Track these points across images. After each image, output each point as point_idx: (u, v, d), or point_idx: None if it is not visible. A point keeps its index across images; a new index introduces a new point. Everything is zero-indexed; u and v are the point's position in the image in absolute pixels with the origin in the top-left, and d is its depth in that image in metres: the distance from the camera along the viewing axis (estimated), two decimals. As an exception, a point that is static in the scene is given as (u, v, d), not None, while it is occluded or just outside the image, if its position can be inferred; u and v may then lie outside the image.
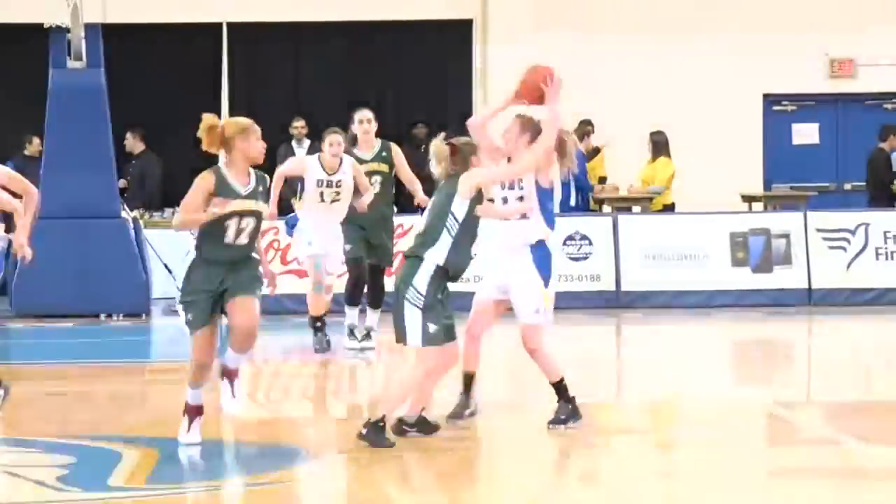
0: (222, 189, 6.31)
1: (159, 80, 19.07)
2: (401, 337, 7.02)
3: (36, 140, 15.60)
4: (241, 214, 6.38)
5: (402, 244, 12.71)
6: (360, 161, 11.19)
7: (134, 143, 16.47)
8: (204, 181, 6.39)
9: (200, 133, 6.25)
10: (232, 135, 6.32)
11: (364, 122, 11.69)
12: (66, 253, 13.65)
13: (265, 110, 17.42)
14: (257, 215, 6.45)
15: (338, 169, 11.15)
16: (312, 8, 19.08)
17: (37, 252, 13.13)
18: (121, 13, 17.78)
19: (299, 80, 19.29)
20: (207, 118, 6.32)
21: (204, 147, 6.28)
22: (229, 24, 18.95)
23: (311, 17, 19.07)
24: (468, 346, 7.90)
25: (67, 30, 15.71)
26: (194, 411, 6.68)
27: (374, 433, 6.96)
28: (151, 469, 7.29)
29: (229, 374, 6.67)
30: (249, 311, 6.54)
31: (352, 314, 12.39)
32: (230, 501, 7.01)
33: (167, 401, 10.01)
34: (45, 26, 15.81)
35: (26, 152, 16.19)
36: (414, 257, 6.96)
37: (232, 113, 18.56)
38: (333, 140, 11.20)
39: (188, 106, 16.93)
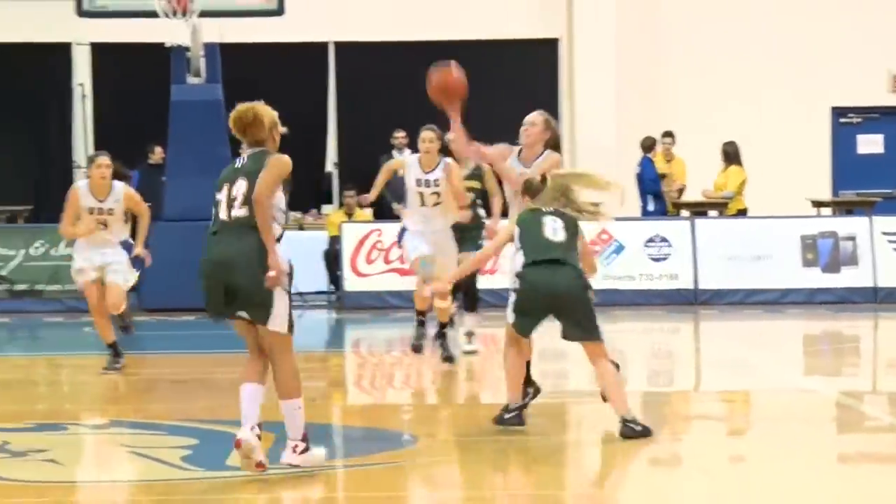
0: None
1: (271, 94, 19.38)
2: (592, 335, 7.20)
3: (158, 149, 16.26)
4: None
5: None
6: None
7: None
8: None
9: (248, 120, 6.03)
10: (271, 125, 6.16)
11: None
12: (187, 252, 13.73)
13: (368, 122, 18.51)
14: None
15: (435, 167, 10.99)
16: (410, 28, 19.58)
17: (160, 251, 14.10)
18: (235, 34, 18.26)
19: (398, 95, 19.22)
20: (252, 108, 5.98)
21: (237, 134, 6.11)
22: (336, 44, 19.85)
23: (408, 37, 19.37)
24: None
25: (187, 49, 16.67)
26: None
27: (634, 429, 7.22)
28: (266, 450, 7.41)
29: None
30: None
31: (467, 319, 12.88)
32: (339, 480, 7.27)
33: None
34: (166, 45, 16.79)
35: (150, 161, 16.86)
36: (573, 265, 7.23)
37: (339, 125, 19.79)
38: (424, 136, 11.15)
39: (297, 118, 18.31)
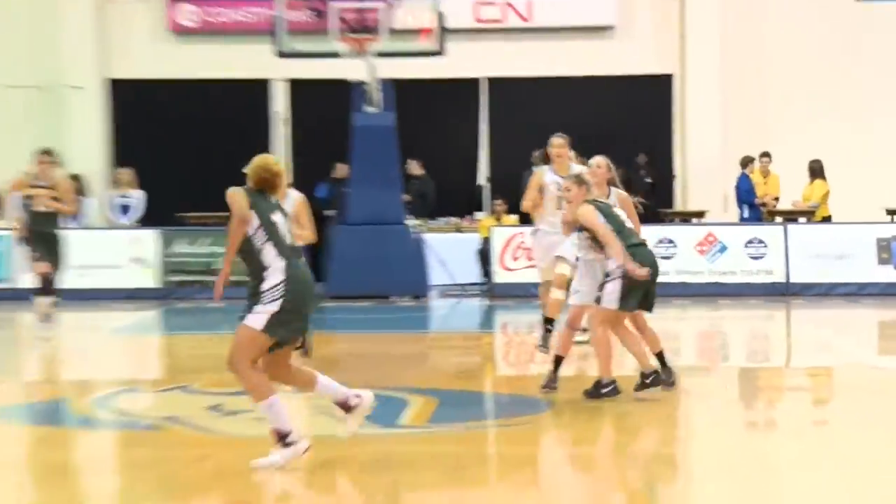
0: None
1: (433, 121, 21.86)
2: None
3: (342, 166, 18.28)
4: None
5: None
6: None
7: (414, 168, 19.14)
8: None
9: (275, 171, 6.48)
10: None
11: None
12: (367, 250, 16.73)
13: (514, 144, 20.05)
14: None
15: (568, 173, 11.25)
16: (544, 65, 21.39)
17: (344, 249, 16.51)
18: (405, 70, 20.08)
19: (539, 120, 19.77)
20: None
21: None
22: (489, 79, 21.97)
23: (543, 73, 21.44)
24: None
25: (366, 83, 19.00)
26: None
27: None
28: (431, 412, 9.19)
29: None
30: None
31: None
32: (490, 438, 8.41)
33: (443, 361, 12.79)
34: (349, 81, 19.27)
35: (334, 175, 18.80)
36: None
37: (490, 146, 21.67)
38: (554, 142, 11.53)
39: (455, 140, 21.51)
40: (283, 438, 6.06)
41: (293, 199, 10.93)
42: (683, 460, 7.69)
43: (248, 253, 6.08)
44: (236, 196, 6.14)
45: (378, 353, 12.61)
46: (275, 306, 6.10)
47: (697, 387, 10.16)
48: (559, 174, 11.05)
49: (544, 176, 11.39)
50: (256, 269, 6.15)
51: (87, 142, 22.19)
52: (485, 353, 14.18)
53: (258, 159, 6.25)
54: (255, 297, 6.10)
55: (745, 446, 7.33)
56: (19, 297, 16.21)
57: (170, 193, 20.11)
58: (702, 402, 9.51)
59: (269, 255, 6.17)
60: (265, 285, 6.12)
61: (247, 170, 6.27)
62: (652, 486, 6.83)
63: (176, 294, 18.58)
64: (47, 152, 13.99)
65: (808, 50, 22.41)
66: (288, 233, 6.20)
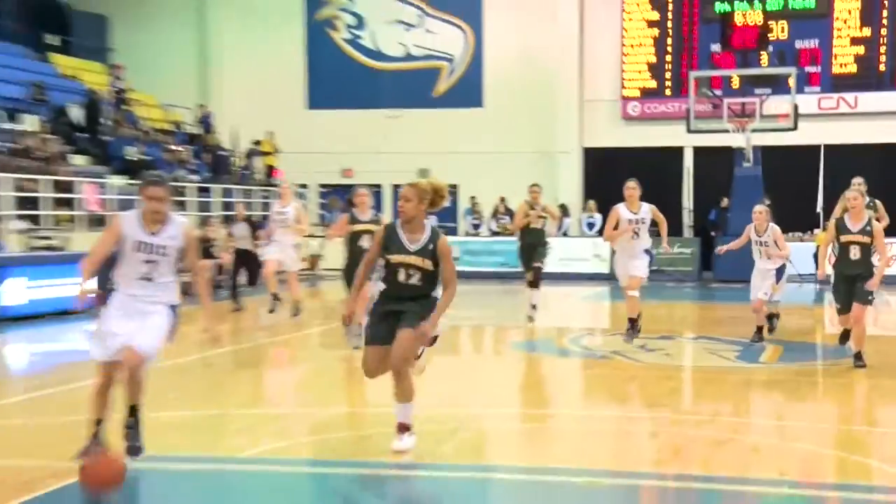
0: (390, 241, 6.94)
1: (779, 177, 24.13)
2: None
3: (725, 200, 22.96)
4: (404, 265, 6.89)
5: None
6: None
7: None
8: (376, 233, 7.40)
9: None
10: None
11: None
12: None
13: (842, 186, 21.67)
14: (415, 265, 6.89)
15: (639, 210, 12.44)
16: (864, 137, 24.82)
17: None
18: (770, 139, 24.30)
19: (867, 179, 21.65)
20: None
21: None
22: (825, 146, 25.30)
23: (867, 141, 24.92)
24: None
25: (744, 149, 23.76)
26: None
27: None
28: (779, 355, 12.32)
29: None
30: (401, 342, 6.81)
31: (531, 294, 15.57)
32: (816, 371, 11.38)
33: (788, 322, 14.06)
34: (733, 147, 24.07)
35: (721, 206, 23.62)
36: None
37: (825, 191, 24.10)
38: (629, 184, 12.50)
39: (801, 189, 24.32)
40: (409, 429, 6.87)
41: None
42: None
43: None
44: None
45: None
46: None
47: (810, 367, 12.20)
48: (630, 210, 12.39)
49: (618, 209, 12.47)
50: (433, 282, 6.86)
51: (570, 184, 27.37)
52: (816, 319, 17.19)
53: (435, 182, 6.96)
54: (426, 307, 6.75)
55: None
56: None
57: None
58: (824, 379, 11.56)
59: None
60: (435, 296, 6.91)
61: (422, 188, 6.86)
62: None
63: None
64: (536, 185, 15.65)
65: None
66: None
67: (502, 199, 25.66)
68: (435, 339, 6.82)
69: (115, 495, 5.90)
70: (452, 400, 9.86)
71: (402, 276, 6.66)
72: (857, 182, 12.85)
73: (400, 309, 6.66)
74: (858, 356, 10.68)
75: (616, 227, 12.13)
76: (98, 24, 30.41)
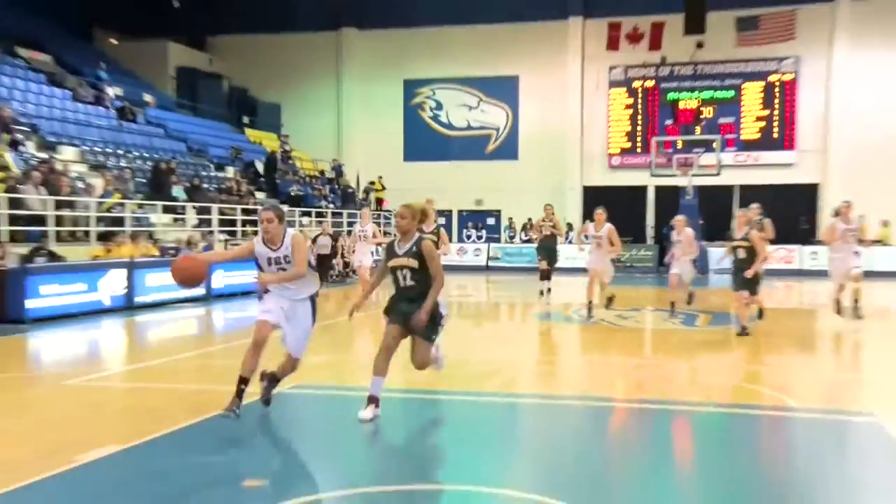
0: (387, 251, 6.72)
1: (720, 199, 26.25)
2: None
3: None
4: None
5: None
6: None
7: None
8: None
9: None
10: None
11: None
12: None
13: None
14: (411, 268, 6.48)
15: (601, 230, 12.95)
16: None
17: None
18: (703, 181, 25.47)
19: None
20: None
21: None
22: (741, 186, 26.75)
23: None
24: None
25: (685, 187, 24.66)
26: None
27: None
28: (709, 320, 12.75)
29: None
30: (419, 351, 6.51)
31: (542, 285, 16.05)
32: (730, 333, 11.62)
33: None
34: (679, 186, 24.96)
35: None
36: None
37: None
38: (596, 211, 13.13)
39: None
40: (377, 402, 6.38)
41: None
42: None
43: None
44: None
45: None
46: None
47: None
48: (596, 229, 13.00)
49: (588, 228, 13.65)
50: (426, 282, 6.47)
51: (574, 210, 28.59)
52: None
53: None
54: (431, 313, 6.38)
55: None
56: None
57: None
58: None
59: None
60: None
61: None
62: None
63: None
64: (549, 204, 15.91)
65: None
66: None
67: (529, 219, 26.61)
68: (438, 323, 6.47)
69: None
70: (495, 351, 10.69)
71: (400, 279, 6.46)
72: (755, 206, 13.48)
73: (408, 311, 6.40)
74: (743, 328, 11.07)
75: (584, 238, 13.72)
76: (274, 109, 32.48)
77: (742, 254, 11.02)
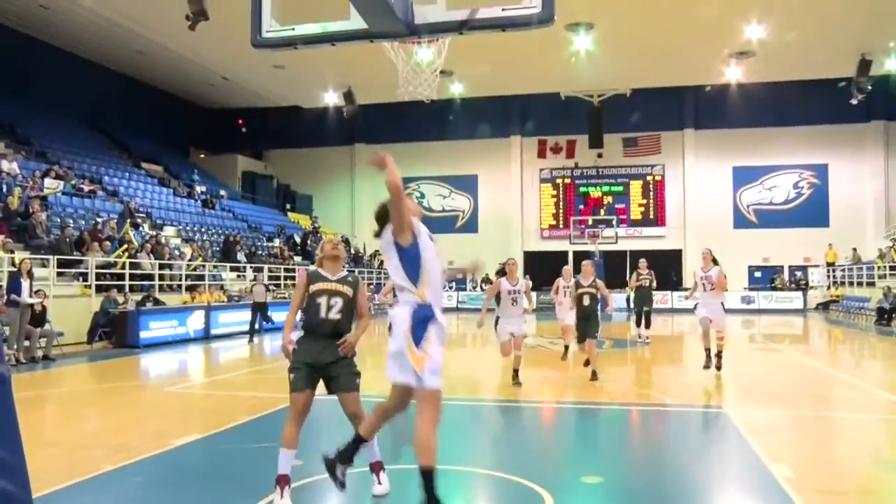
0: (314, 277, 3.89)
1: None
2: None
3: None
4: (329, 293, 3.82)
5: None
6: None
7: None
8: (299, 277, 3.96)
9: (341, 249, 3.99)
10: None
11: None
12: None
13: None
14: (343, 296, 3.84)
15: (517, 283, 8.29)
16: None
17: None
18: (605, 247, 25.62)
19: None
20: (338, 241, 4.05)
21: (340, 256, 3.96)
22: (631, 250, 25.54)
23: None
24: None
25: (594, 251, 24.30)
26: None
27: None
28: (611, 344, 11.90)
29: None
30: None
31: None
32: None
33: None
34: (590, 251, 24.49)
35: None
36: None
37: None
38: (508, 260, 8.51)
39: None
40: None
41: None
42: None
43: None
44: None
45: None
46: None
47: None
48: (510, 282, 8.23)
49: (502, 283, 8.17)
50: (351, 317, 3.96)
51: (518, 269, 30.09)
52: (627, 329, 15.22)
53: None
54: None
55: None
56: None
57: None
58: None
59: None
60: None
61: None
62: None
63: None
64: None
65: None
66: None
67: (486, 275, 25.38)
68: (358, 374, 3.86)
69: None
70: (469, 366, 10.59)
71: (323, 309, 3.85)
72: (643, 261, 12.92)
73: (322, 359, 3.80)
74: (594, 373, 8.42)
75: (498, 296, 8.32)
76: (308, 199, 32.29)
77: (587, 300, 8.55)
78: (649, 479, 4.50)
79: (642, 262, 13.10)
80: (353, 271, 5.13)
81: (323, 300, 3.87)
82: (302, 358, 3.83)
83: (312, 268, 4.02)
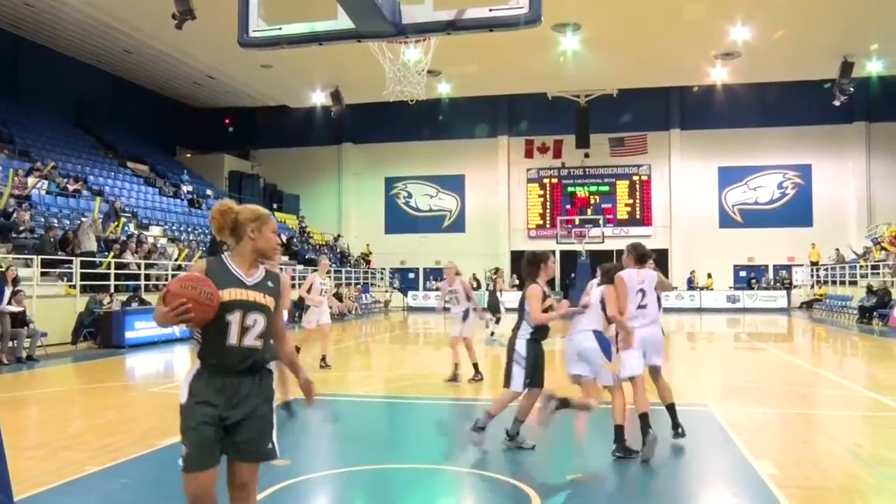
0: (219, 276, 2.51)
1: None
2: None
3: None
4: (245, 308, 2.49)
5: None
6: None
7: None
8: (196, 266, 2.56)
9: (213, 214, 2.57)
10: (244, 221, 2.57)
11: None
12: None
13: None
14: (266, 311, 2.54)
15: (452, 284, 8.59)
16: None
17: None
18: (592, 247, 25.39)
19: None
20: (222, 203, 2.61)
21: (213, 231, 2.59)
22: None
23: None
24: None
25: (581, 251, 24.59)
26: None
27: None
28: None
29: None
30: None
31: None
32: None
33: None
34: (576, 250, 24.70)
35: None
36: None
37: None
38: (448, 265, 8.64)
39: None
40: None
41: None
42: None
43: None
44: None
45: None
46: None
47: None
48: (449, 284, 8.46)
49: (441, 285, 8.78)
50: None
51: (505, 268, 25.76)
52: None
53: None
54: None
55: None
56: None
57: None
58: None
59: None
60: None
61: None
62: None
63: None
64: (500, 269, 16.41)
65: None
66: None
67: (473, 274, 24.08)
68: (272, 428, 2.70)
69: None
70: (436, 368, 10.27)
71: (234, 330, 2.57)
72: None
73: (233, 416, 2.70)
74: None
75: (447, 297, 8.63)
76: (295, 198, 31.74)
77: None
78: (635, 478, 4.50)
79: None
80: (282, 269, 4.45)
81: (234, 318, 2.50)
82: (202, 412, 2.50)
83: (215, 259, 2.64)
